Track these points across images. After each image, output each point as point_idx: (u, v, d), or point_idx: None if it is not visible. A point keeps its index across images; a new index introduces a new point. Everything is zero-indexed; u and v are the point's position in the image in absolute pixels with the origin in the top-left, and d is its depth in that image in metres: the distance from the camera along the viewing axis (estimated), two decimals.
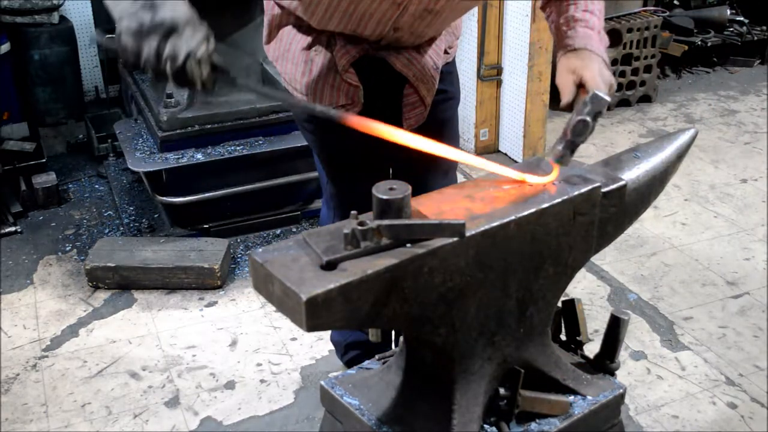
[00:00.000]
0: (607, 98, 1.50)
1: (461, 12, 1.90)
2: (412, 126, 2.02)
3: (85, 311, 3.04)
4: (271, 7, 1.96)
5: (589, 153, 4.27)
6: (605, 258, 3.33)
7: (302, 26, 1.89)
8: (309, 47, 1.91)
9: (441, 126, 2.12)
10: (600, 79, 1.58)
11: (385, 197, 1.21)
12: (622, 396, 1.56)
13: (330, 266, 1.15)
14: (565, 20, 1.69)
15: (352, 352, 2.39)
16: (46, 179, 3.80)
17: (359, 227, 1.17)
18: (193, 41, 1.31)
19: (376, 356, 1.64)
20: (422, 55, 1.91)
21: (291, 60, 1.95)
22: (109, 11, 1.37)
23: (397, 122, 2.01)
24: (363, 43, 1.85)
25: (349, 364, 2.39)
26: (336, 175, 2.14)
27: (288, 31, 1.93)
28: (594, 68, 1.59)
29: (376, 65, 1.89)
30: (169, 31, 1.30)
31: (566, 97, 1.60)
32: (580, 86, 1.59)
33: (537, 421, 1.46)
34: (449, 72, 2.09)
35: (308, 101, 1.96)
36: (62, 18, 4.15)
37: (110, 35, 1.44)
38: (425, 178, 2.10)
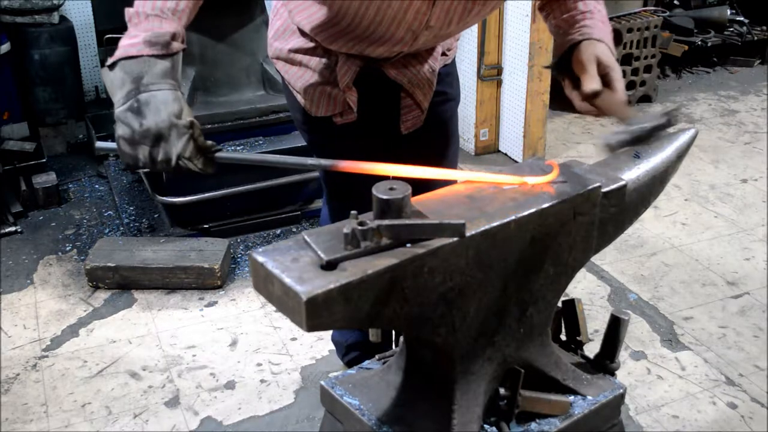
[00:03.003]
0: (677, 118, 1.51)
1: (466, 29, 1.91)
2: (410, 129, 2.02)
3: (85, 311, 3.05)
4: (280, 13, 1.96)
5: (589, 153, 4.27)
6: (605, 258, 3.33)
7: (306, 33, 1.89)
8: (310, 54, 1.91)
9: (440, 127, 2.12)
10: (623, 83, 1.58)
11: (385, 197, 1.21)
12: (622, 396, 1.56)
13: (330, 266, 1.15)
14: (577, 11, 1.68)
15: (352, 353, 2.39)
16: (46, 179, 3.80)
17: (359, 227, 1.17)
18: (179, 144, 1.36)
19: (376, 356, 1.64)
20: (418, 60, 1.91)
21: (290, 62, 1.95)
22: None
23: (395, 125, 2.02)
24: (364, 58, 1.86)
25: (350, 365, 2.39)
26: (334, 177, 2.14)
27: (291, 34, 1.93)
28: (617, 68, 1.59)
29: (372, 73, 1.89)
30: (157, 138, 1.35)
31: (593, 83, 1.55)
32: (604, 83, 1.58)
33: (537, 421, 1.46)
34: (448, 73, 2.08)
35: (305, 104, 1.97)
36: (62, 18, 4.14)
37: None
38: (424, 178, 2.10)
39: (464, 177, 1.44)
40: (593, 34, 1.63)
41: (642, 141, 1.50)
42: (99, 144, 1.50)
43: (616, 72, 1.59)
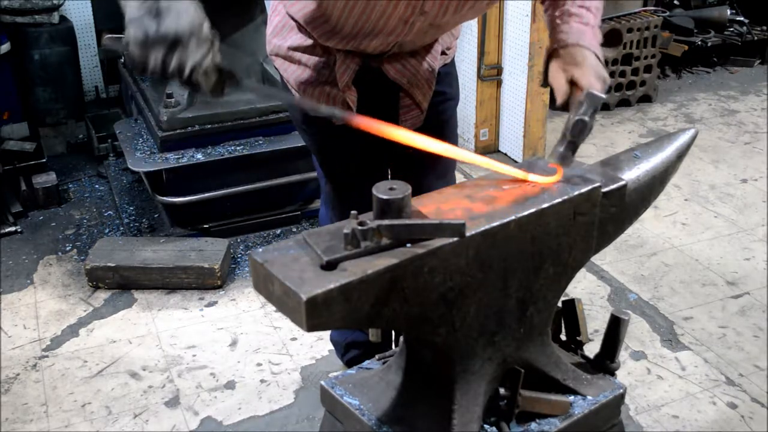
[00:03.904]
0: (602, 95, 1.49)
1: (463, 21, 1.90)
2: (409, 129, 2.02)
3: (85, 311, 3.04)
4: (278, 10, 1.96)
5: (589, 153, 4.27)
6: (605, 258, 3.33)
7: (304, 29, 1.89)
8: (309, 52, 1.91)
9: (439, 127, 2.12)
10: (592, 75, 1.55)
11: (385, 197, 1.21)
12: (622, 396, 1.57)
13: (330, 266, 1.15)
14: (560, 13, 1.67)
15: (352, 352, 2.39)
16: (46, 179, 3.80)
17: (359, 227, 1.17)
18: (197, 54, 1.30)
19: (376, 356, 1.64)
20: (417, 59, 1.91)
21: (289, 59, 1.95)
22: (123, 10, 1.36)
23: (394, 125, 2.01)
24: (362, 56, 1.86)
25: (349, 364, 2.39)
26: (334, 176, 2.14)
27: (290, 31, 1.94)
28: (586, 64, 1.57)
29: (371, 72, 1.89)
30: (174, 43, 1.28)
31: (561, 96, 1.58)
32: (573, 84, 1.57)
33: (537, 421, 1.46)
34: (448, 73, 2.08)
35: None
36: (62, 18, 4.15)
37: (114, 35, 1.44)
38: (424, 178, 2.10)
39: (477, 160, 1.44)
40: (568, 40, 1.62)
41: (581, 132, 1.49)
42: (107, 39, 1.43)
43: (581, 71, 1.56)
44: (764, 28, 5.87)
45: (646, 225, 3.62)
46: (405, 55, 1.89)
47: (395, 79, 1.90)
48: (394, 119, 2.00)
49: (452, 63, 2.11)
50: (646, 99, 5.20)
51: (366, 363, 1.63)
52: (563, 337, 1.68)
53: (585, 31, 1.63)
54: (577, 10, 1.66)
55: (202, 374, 2.70)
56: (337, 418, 1.52)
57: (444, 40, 1.99)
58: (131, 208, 3.74)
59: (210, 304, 3.09)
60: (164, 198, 3.40)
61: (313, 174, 3.38)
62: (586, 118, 1.46)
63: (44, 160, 3.90)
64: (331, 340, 2.55)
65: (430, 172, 2.14)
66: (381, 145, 2.11)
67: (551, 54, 1.64)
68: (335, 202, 2.17)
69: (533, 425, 1.46)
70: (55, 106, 4.19)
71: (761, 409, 2.53)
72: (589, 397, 1.52)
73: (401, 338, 1.45)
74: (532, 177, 1.43)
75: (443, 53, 2.02)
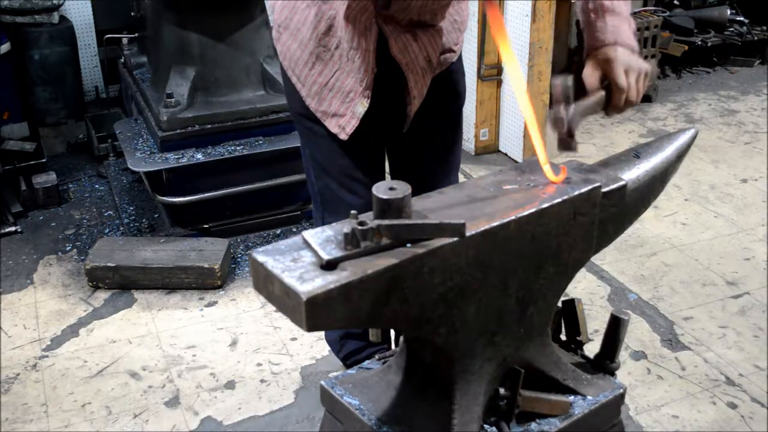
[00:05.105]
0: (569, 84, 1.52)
1: None
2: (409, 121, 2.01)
3: (85, 311, 3.04)
4: None
5: (589, 153, 4.27)
6: (605, 258, 3.33)
7: (315, 12, 1.87)
8: (320, 43, 1.89)
9: (447, 128, 2.12)
10: (623, 76, 1.59)
11: (385, 197, 1.21)
12: (622, 396, 1.56)
13: (330, 266, 1.15)
14: (594, 8, 1.67)
15: (349, 344, 2.34)
16: (46, 179, 3.80)
17: (359, 227, 1.17)
18: None
19: (376, 356, 1.64)
20: (417, 43, 1.88)
21: (300, 43, 1.92)
22: None
23: (399, 122, 2.01)
24: (371, 30, 1.83)
25: (347, 357, 2.37)
26: (330, 174, 2.10)
27: (300, 13, 1.90)
28: (619, 65, 1.60)
29: (383, 60, 1.88)
30: None
31: (590, 89, 1.61)
32: (607, 82, 1.61)
33: (537, 421, 1.46)
34: (455, 70, 2.06)
35: (305, 97, 1.95)
36: (62, 18, 4.15)
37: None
38: (426, 179, 2.09)
39: (527, 113, 1.43)
40: (606, 39, 1.63)
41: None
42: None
43: (615, 71, 1.59)
44: (764, 28, 5.87)
45: (646, 225, 3.62)
46: (407, 35, 1.86)
47: (396, 56, 1.88)
48: (400, 116, 1.99)
49: (460, 59, 2.09)
50: (646, 99, 5.20)
51: (366, 363, 1.63)
52: (563, 337, 1.68)
53: (621, 27, 1.65)
54: (609, 3, 1.66)
55: (202, 374, 2.70)
56: (337, 418, 1.52)
57: (449, 35, 1.97)
58: (131, 208, 3.74)
59: (210, 304, 3.09)
60: (164, 198, 3.40)
61: None
62: (561, 114, 1.49)
63: (44, 160, 3.90)
64: (326, 339, 2.52)
65: (434, 172, 2.13)
66: (386, 143, 2.11)
67: (588, 54, 1.65)
68: (329, 202, 2.13)
69: (533, 425, 1.46)
70: (55, 106, 4.19)
71: (761, 409, 2.53)
72: (589, 397, 1.52)
73: (401, 338, 1.45)
74: (546, 167, 1.43)
75: (451, 50, 2.00)
